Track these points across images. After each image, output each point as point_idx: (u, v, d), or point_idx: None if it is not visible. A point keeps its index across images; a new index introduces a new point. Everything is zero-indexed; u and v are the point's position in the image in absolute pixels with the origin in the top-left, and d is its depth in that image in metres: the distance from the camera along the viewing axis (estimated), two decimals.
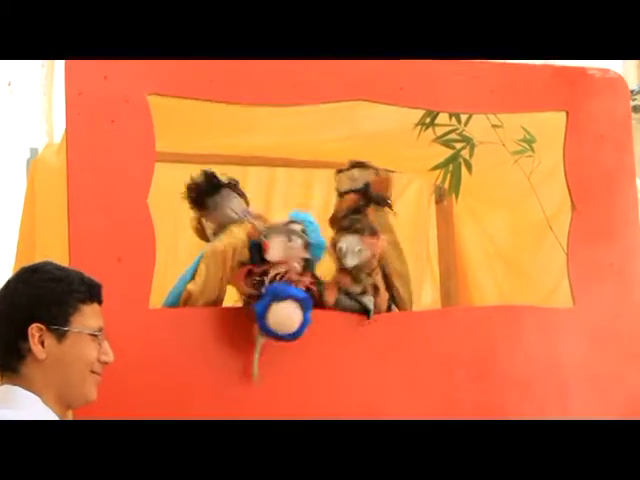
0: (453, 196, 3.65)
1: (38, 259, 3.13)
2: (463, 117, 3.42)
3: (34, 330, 2.16)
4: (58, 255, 2.91)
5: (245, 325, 2.86)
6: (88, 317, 2.20)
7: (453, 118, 3.43)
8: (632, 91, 4.73)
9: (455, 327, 3.14)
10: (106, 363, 2.22)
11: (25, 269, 2.26)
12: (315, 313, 2.85)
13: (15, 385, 2.17)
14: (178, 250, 3.96)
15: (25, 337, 2.16)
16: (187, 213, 4.06)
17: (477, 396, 3.10)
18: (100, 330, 2.21)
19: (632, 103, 3.77)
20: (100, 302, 2.26)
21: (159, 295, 2.93)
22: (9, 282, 2.25)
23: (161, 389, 2.77)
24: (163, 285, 3.03)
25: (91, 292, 2.23)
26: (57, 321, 2.17)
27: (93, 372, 2.20)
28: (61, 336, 2.17)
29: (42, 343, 2.16)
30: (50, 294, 2.18)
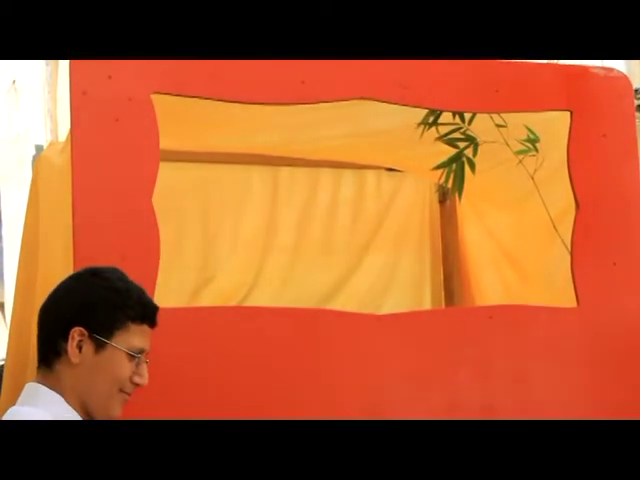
0: (456, 195, 3.65)
1: (42, 257, 3.16)
2: (467, 116, 3.42)
3: (76, 333, 2.14)
4: (62, 253, 2.92)
5: (250, 324, 2.87)
6: (133, 336, 2.18)
7: (457, 117, 3.43)
8: (636, 90, 4.72)
9: (458, 327, 3.14)
10: (138, 385, 2.19)
11: (87, 270, 2.24)
12: (317, 312, 2.86)
13: (40, 383, 2.17)
14: (183, 249, 3.97)
15: (66, 337, 2.15)
16: (191, 212, 4.08)
17: (480, 395, 3.09)
18: (141, 352, 2.19)
19: (636, 102, 3.75)
20: (152, 325, 2.23)
21: (163, 294, 2.93)
22: (67, 278, 2.24)
23: (165, 388, 2.77)
24: (167, 284, 3.03)
25: (144, 313, 2.21)
26: (100, 331, 2.15)
27: (122, 391, 2.18)
28: (100, 347, 2.15)
29: (80, 348, 2.15)
30: (103, 303, 2.16)
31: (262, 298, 4.02)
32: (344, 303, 3.99)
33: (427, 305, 4.23)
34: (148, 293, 2.29)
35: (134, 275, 2.64)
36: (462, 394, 3.08)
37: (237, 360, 2.88)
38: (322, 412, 2.88)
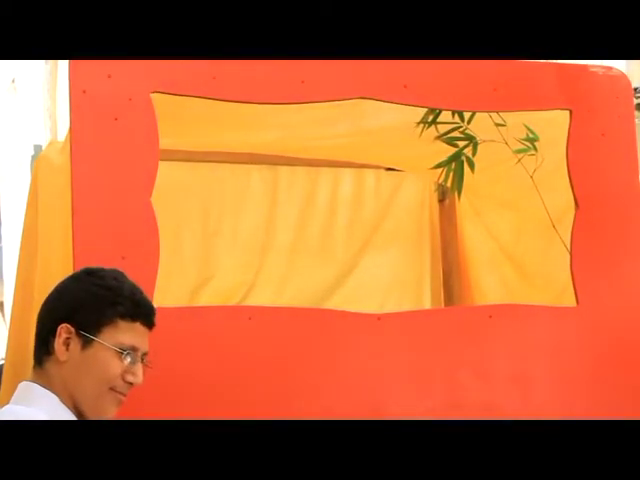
0: (456, 194, 3.65)
1: (42, 256, 3.16)
2: (466, 115, 3.42)
3: (62, 330, 2.14)
4: (62, 253, 2.92)
5: (250, 324, 2.86)
6: (122, 333, 2.15)
7: (456, 116, 3.43)
8: (635, 89, 4.72)
9: (458, 326, 3.14)
10: (131, 384, 2.16)
11: (84, 269, 2.24)
12: (317, 312, 2.86)
13: (34, 382, 2.16)
14: (182, 248, 3.97)
15: (54, 334, 2.14)
16: (190, 211, 4.08)
17: (480, 395, 3.10)
18: (132, 349, 2.15)
19: (635, 101, 3.75)
20: (147, 325, 2.20)
21: (163, 293, 2.93)
22: (66, 278, 2.24)
23: (164, 388, 2.77)
24: (167, 283, 3.03)
25: (135, 310, 2.18)
26: (87, 327, 2.13)
27: (113, 390, 2.15)
28: (86, 343, 2.13)
29: (67, 345, 2.14)
30: (92, 299, 2.15)
31: (262, 297, 4.02)
32: (343, 302, 3.99)
33: (427, 304, 4.23)
34: (146, 294, 2.27)
35: (134, 275, 2.65)
36: (462, 393, 3.08)
37: (236, 360, 2.88)
38: (322, 412, 2.88)
